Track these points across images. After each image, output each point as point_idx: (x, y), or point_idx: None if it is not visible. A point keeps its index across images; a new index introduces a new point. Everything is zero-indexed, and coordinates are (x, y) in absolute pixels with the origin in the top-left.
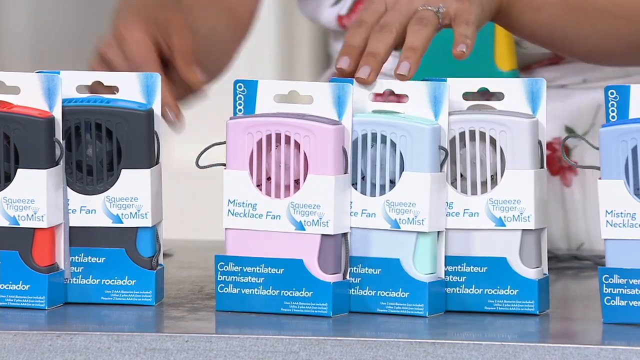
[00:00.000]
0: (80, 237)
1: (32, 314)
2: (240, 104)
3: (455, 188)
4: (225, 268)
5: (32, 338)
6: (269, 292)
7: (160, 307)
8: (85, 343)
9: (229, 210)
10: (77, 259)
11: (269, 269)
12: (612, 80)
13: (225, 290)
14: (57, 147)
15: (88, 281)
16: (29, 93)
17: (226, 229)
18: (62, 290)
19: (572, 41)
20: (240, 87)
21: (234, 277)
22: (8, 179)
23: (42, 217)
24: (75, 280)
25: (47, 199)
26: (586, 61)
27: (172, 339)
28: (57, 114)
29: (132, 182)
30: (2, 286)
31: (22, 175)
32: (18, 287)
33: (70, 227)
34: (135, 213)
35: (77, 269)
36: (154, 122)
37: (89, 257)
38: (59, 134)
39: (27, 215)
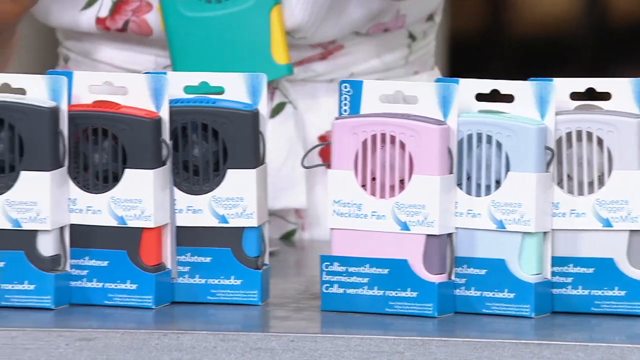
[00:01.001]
0: (187, 237)
1: (140, 313)
2: (345, 104)
3: (562, 188)
4: (331, 268)
5: (140, 337)
6: (374, 292)
7: (266, 307)
8: (191, 342)
9: (334, 211)
10: (184, 259)
11: (374, 269)
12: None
13: (331, 290)
14: (164, 147)
15: (194, 280)
16: (136, 93)
17: (332, 229)
18: (169, 289)
19: None
20: (345, 87)
21: (339, 277)
22: (116, 179)
23: (149, 217)
24: (182, 280)
25: (154, 199)
26: None
27: (277, 338)
28: (164, 114)
29: (237, 182)
30: (110, 285)
31: (130, 175)
32: (126, 286)
33: (176, 226)
34: (241, 213)
35: (183, 269)
36: (260, 123)
37: (196, 257)
38: (166, 135)
39: (135, 215)
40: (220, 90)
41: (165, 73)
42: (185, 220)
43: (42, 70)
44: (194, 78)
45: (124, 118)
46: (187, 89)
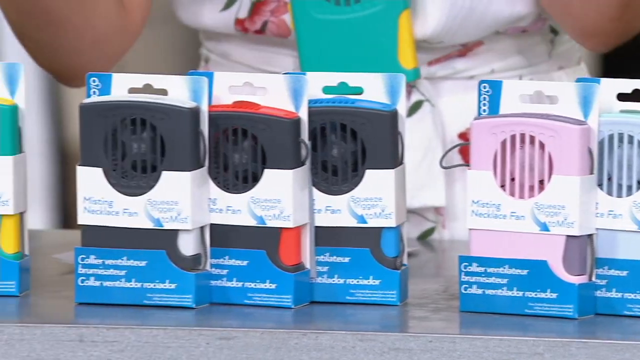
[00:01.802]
0: (325, 237)
1: (279, 313)
2: (484, 104)
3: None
4: (469, 269)
5: (279, 336)
6: (513, 293)
7: (405, 307)
8: (330, 342)
9: (472, 211)
10: (323, 259)
11: (513, 269)
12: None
13: (469, 290)
14: (303, 147)
15: (333, 280)
16: (275, 94)
17: (470, 229)
18: (308, 289)
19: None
20: (484, 87)
21: (477, 278)
22: (255, 179)
23: (288, 217)
24: (321, 280)
25: (293, 199)
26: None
27: (415, 339)
28: (303, 114)
29: (376, 182)
30: (250, 284)
31: (269, 175)
32: (265, 285)
33: (315, 226)
34: (380, 213)
35: (322, 269)
36: (398, 123)
37: (334, 257)
38: (304, 135)
39: (274, 214)
40: (359, 91)
41: (304, 74)
42: (323, 220)
43: (186, 71)
44: (333, 78)
45: (263, 118)
46: (326, 89)
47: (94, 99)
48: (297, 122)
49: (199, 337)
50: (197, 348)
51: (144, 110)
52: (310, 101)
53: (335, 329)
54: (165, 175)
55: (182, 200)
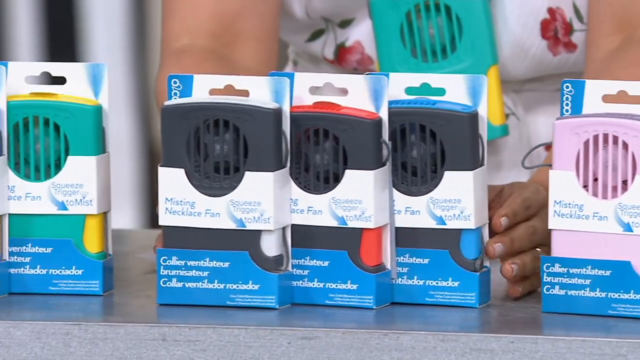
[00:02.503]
0: (405, 238)
1: (361, 313)
2: (567, 104)
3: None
4: (552, 269)
5: (360, 336)
6: (595, 294)
7: (487, 308)
8: (411, 342)
9: (555, 212)
10: (402, 260)
11: (596, 270)
12: None
13: (552, 291)
14: (384, 148)
15: (413, 282)
16: (356, 94)
17: (552, 229)
18: (389, 290)
19: None
20: (567, 87)
21: (560, 279)
22: (336, 179)
23: (369, 217)
24: (401, 281)
25: (374, 200)
26: None
27: (497, 339)
28: (384, 115)
29: (455, 184)
30: (331, 285)
31: (350, 176)
32: (347, 286)
33: (395, 227)
34: (459, 215)
35: (402, 270)
36: (479, 124)
37: (414, 258)
38: (385, 135)
39: (355, 215)
40: (441, 93)
41: (387, 74)
42: (403, 221)
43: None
44: (416, 79)
45: (345, 119)
46: (409, 90)
47: (176, 100)
48: (378, 122)
49: (281, 337)
50: (279, 348)
51: (227, 111)
52: (390, 102)
53: (416, 329)
54: (248, 176)
55: (265, 201)
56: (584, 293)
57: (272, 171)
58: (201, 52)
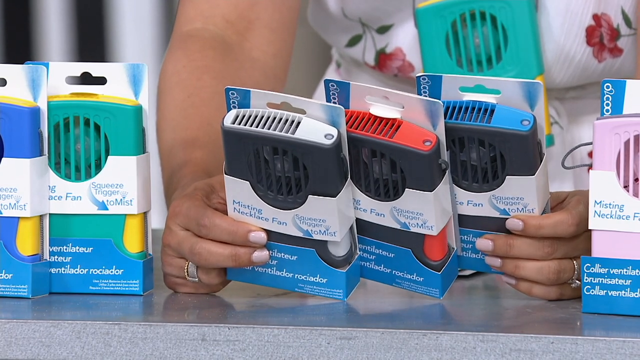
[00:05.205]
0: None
1: (400, 313)
2: (607, 105)
3: None
4: (592, 270)
5: (399, 336)
6: (636, 295)
7: (526, 309)
8: (450, 343)
9: (595, 212)
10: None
11: (637, 271)
12: None
13: (592, 292)
14: (442, 166)
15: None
16: (411, 112)
17: (592, 230)
18: (448, 280)
19: None
20: (607, 87)
21: (600, 279)
22: (396, 193)
23: (431, 227)
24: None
25: (434, 213)
26: None
27: (537, 340)
28: (440, 134)
29: (518, 187)
30: (399, 274)
31: (409, 194)
32: (413, 276)
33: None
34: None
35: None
36: (537, 134)
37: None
38: (443, 155)
39: (417, 223)
40: (496, 93)
41: (441, 102)
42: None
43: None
44: (470, 81)
45: (399, 149)
46: (463, 89)
47: (234, 114)
48: (433, 153)
49: (320, 337)
50: (318, 347)
51: (284, 144)
52: (445, 105)
53: (455, 329)
54: (312, 199)
55: (329, 220)
56: (624, 294)
57: (335, 197)
58: (209, 38)
